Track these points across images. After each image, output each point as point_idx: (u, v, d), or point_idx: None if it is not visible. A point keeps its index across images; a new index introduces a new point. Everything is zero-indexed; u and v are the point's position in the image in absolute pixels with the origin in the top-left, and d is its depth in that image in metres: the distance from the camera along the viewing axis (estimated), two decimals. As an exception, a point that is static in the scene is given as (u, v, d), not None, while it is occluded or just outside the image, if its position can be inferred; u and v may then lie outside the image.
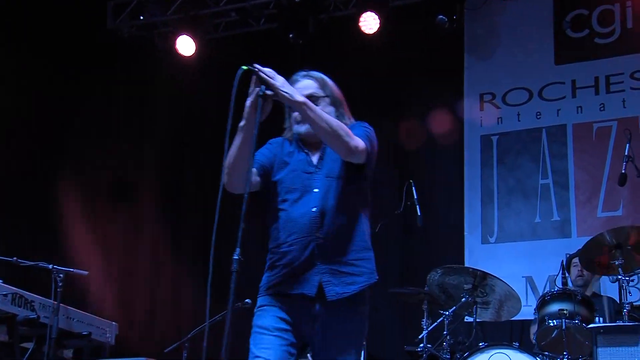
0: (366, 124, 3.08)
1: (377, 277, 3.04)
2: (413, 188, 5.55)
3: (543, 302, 5.05)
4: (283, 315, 2.94)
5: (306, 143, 3.09)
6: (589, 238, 5.15)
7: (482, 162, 7.09)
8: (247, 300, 4.64)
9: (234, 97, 2.75)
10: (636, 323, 4.47)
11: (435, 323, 5.14)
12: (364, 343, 3.07)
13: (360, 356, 3.04)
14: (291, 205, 2.98)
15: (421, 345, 5.00)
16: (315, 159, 3.06)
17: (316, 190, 2.98)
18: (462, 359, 4.79)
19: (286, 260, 2.95)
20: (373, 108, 6.64)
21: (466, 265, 6.44)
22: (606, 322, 4.86)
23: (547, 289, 6.12)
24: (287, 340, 2.92)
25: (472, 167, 7.11)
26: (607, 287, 5.80)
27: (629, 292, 4.80)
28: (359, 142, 2.89)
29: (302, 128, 3.05)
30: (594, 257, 5.09)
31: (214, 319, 4.56)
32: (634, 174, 5.02)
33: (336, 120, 2.93)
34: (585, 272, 5.61)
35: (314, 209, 2.94)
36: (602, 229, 6.18)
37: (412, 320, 5.77)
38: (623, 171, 4.97)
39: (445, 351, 5.05)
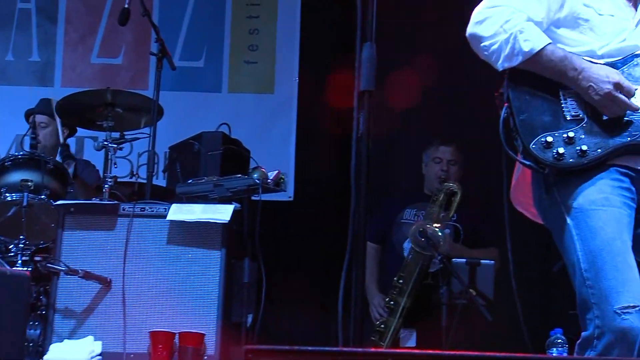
0: None
1: None
2: None
3: (2, 168, 4.84)
4: None
5: None
6: (76, 90, 5.14)
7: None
8: None
9: None
10: (115, 202, 4.46)
11: None
12: None
13: None
14: None
15: None
16: None
17: None
18: None
19: None
20: None
21: None
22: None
23: (13, 151, 5.87)
24: None
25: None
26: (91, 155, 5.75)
27: (115, 164, 4.81)
28: None
29: None
30: (77, 114, 5.03)
31: None
32: (140, 12, 4.95)
33: None
34: (47, 133, 5.41)
35: None
36: (95, 79, 6.23)
37: None
38: (126, 6, 4.86)
39: None
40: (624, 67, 2.81)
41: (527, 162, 2.75)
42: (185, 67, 6.23)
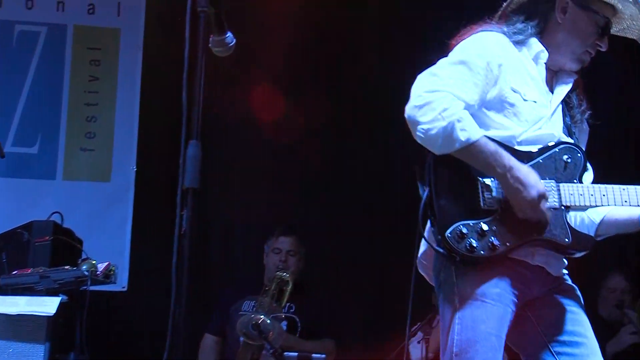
0: None
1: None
2: None
3: None
4: None
5: None
6: None
7: None
8: None
9: None
10: None
11: None
12: None
13: None
14: None
15: None
16: None
17: None
18: None
19: None
20: None
21: None
22: None
23: None
24: None
25: None
26: None
27: None
28: None
29: None
30: None
31: None
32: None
33: None
34: None
35: None
36: None
37: None
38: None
39: None
40: (540, 157, 2.93)
41: (440, 250, 2.82)
42: (18, 152, 6.09)
